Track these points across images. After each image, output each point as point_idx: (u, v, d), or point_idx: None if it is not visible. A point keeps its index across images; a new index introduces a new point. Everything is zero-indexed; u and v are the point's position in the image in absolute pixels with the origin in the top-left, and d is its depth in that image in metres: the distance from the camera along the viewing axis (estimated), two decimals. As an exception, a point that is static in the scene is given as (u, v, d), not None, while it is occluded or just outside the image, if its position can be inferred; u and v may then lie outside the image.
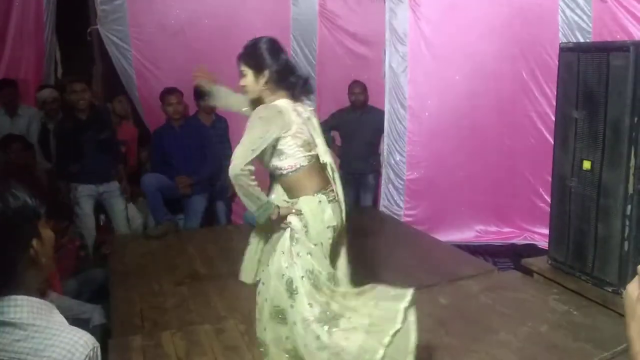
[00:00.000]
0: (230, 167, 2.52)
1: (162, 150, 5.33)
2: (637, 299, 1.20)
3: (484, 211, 5.65)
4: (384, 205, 5.85)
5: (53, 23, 5.71)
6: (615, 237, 3.54)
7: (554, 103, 4.69)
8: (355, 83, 5.91)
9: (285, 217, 2.65)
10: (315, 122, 2.81)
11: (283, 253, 2.64)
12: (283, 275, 2.61)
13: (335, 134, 6.21)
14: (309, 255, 2.61)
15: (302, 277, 2.58)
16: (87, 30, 5.64)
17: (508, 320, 3.49)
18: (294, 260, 2.60)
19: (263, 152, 2.59)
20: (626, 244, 3.49)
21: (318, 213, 2.65)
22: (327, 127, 6.14)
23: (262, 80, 2.66)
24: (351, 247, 4.80)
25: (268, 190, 5.30)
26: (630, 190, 3.43)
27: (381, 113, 5.78)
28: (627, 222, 3.48)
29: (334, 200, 2.72)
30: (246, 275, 2.95)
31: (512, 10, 5.16)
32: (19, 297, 1.30)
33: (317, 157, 2.74)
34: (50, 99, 5.53)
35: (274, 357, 2.74)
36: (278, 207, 2.64)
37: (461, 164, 5.53)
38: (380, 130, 5.81)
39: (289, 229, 2.64)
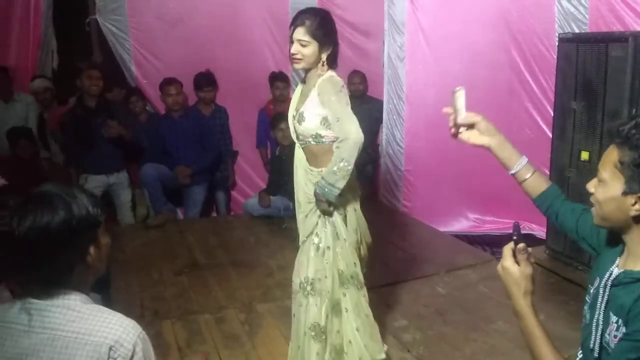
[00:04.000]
0: (357, 139, 2.56)
1: (162, 140, 5.34)
2: (521, 274, 1.41)
3: (481, 201, 5.66)
4: (382, 195, 5.86)
5: (51, 12, 5.69)
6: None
7: (550, 94, 4.70)
8: (355, 73, 5.92)
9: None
10: None
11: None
12: None
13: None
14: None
15: None
16: (86, 20, 5.63)
17: (506, 310, 3.49)
18: None
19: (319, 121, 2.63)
20: (622, 234, 3.51)
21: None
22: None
23: (325, 54, 2.62)
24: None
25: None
26: (627, 181, 3.45)
27: (380, 103, 5.79)
28: (624, 213, 3.50)
29: None
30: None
31: (509, 0, 5.16)
32: (73, 292, 1.43)
33: None
34: (42, 88, 5.53)
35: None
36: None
37: (458, 155, 5.50)
38: (379, 121, 5.82)
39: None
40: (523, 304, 1.43)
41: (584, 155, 3.71)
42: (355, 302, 2.77)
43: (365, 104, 5.94)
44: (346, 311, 2.76)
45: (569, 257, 3.91)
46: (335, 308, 2.75)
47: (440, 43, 5.39)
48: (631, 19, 4.24)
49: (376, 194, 6.04)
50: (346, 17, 6.09)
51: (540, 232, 5.00)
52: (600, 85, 3.56)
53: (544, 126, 5.08)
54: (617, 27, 4.31)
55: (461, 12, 5.30)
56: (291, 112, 2.79)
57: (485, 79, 5.35)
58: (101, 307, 1.46)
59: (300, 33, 2.58)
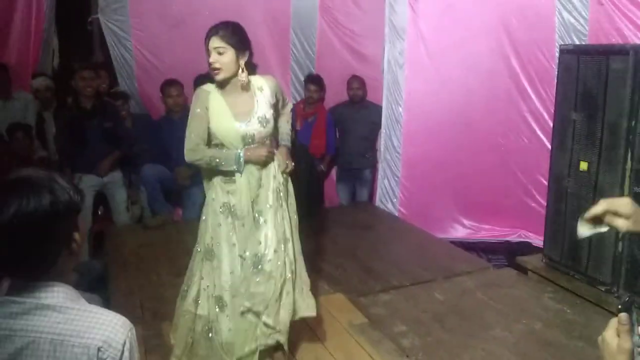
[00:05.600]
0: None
1: (162, 141, 5.33)
2: (617, 348, 1.18)
3: (477, 209, 5.69)
4: (380, 200, 5.89)
5: (53, 11, 5.70)
6: (610, 237, 3.59)
7: (549, 104, 4.74)
8: (354, 78, 5.95)
9: None
10: None
11: None
12: None
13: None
14: None
15: None
16: (88, 19, 5.64)
17: (503, 317, 3.55)
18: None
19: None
20: (620, 244, 3.56)
21: None
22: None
23: (242, 61, 2.78)
24: (347, 241, 4.88)
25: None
26: (626, 192, 3.48)
27: (379, 108, 5.80)
28: (622, 224, 3.53)
29: None
30: None
31: (510, 10, 5.19)
32: (56, 283, 1.35)
33: None
34: (43, 87, 5.52)
35: None
36: None
37: (455, 162, 5.56)
38: (377, 126, 5.84)
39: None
40: None
41: (583, 166, 3.75)
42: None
43: (364, 109, 5.97)
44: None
45: (566, 266, 3.95)
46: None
47: (440, 50, 5.43)
48: (630, 32, 4.29)
49: (373, 200, 6.07)
50: (346, 23, 6.13)
51: (536, 240, 5.03)
52: (600, 97, 3.60)
53: (541, 135, 5.13)
54: (616, 40, 4.35)
55: (461, 20, 5.33)
56: (229, 120, 2.82)
57: (484, 87, 5.39)
58: (88, 304, 1.39)
59: (215, 42, 2.73)
